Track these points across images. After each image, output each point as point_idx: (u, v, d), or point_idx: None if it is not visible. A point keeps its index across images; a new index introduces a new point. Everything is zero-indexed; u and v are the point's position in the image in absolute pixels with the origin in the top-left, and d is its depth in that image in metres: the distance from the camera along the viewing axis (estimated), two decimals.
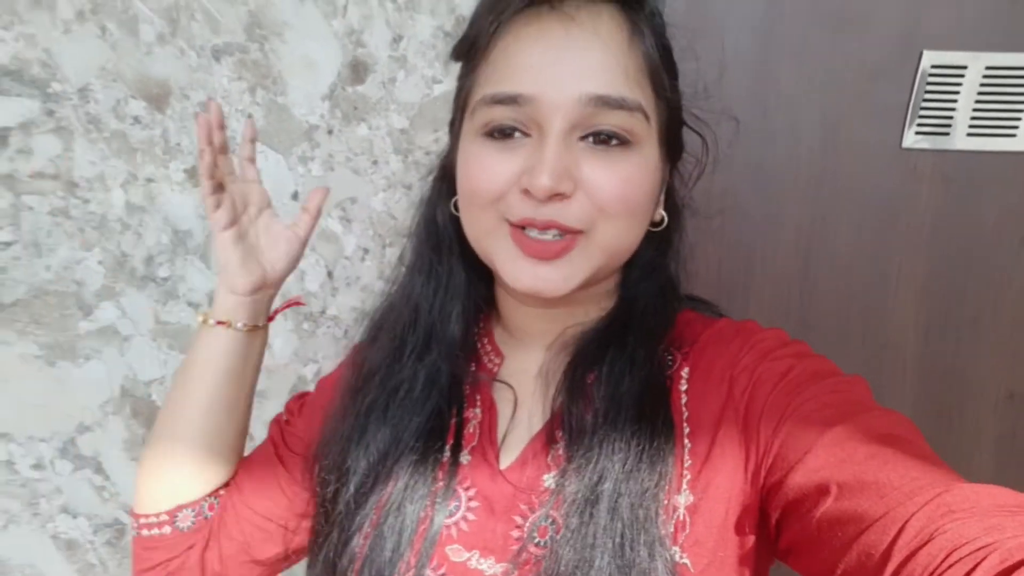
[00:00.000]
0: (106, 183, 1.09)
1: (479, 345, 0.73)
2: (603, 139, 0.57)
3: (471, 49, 0.62)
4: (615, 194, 0.57)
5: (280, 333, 1.13)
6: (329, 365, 1.14)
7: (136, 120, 1.07)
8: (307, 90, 1.05)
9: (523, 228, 0.58)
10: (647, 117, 0.58)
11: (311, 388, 1.10)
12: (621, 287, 0.69)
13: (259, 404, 1.14)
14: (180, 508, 0.72)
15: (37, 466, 1.18)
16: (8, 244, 1.10)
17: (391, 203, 1.09)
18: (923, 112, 1.02)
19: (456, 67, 0.66)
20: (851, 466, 0.47)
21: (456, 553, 0.60)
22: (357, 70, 1.05)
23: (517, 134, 0.57)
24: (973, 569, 0.37)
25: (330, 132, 1.07)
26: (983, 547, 0.38)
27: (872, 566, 0.43)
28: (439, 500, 0.62)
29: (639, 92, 0.57)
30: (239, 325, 0.72)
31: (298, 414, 0.79)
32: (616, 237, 0.60)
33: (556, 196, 0.56)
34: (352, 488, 0.65)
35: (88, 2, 1.02)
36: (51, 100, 1.05)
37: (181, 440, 0.72)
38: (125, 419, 1.17)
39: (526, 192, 0.56)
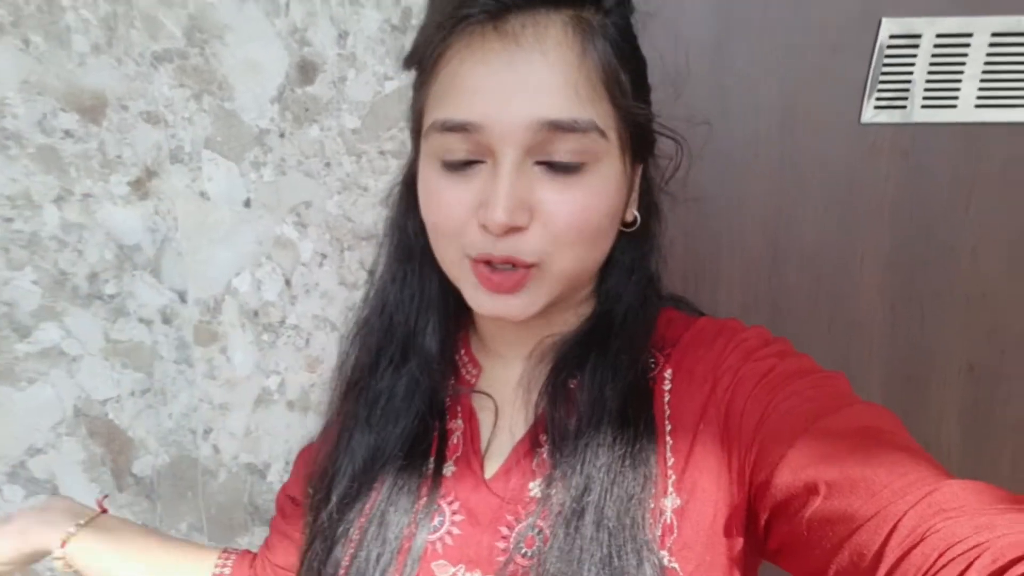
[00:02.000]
0: (32, 200, 1.03)
1: (456, 357, 0.72)
2: (559, 168, 0.55)
3: (419, 63, 0.60)
4: (571, 224, 0.56)
5: (240, 346, 1.09)
6: (292, 377, 1.11)
7: (67, 134, 1.01)
8: (255, 93, 1.01)
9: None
10: (603, 134, 0.56)
11: (275, 399, 1.08)
12: (599, 290, 0.68)
13: (222, 416, 1.13)
14: None
15: None
16: None
17: (347, 205, 1.06)
18: (881, 85, 1.01)
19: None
20: (837, 461, 0.47)
21: (442, 569, 0.59)
22: (305, 70, 1.01)
23: (474, 159, 0.56)
24: (966, 569, 0.37)
25: (282, 135, 1.03)
26: (975, 546, 0.38)
27: (865, 567, 0.43)
28: (422, 516, 0.61)
29: (591, 109, 0.55)
30: None
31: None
32: (573, 264, 0.59)
33: (512, 229, 0.55)
34: (335, 497, 0.64)
35: (8, 14, 0.96)
36: None
37: None
38: (81, 439, 1.12)
39: (483, 226, 0.55)
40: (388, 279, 0.71)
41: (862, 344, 1.11)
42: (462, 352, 0.72)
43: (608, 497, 0.55)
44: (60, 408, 1.10)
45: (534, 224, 0.55)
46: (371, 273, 0.74)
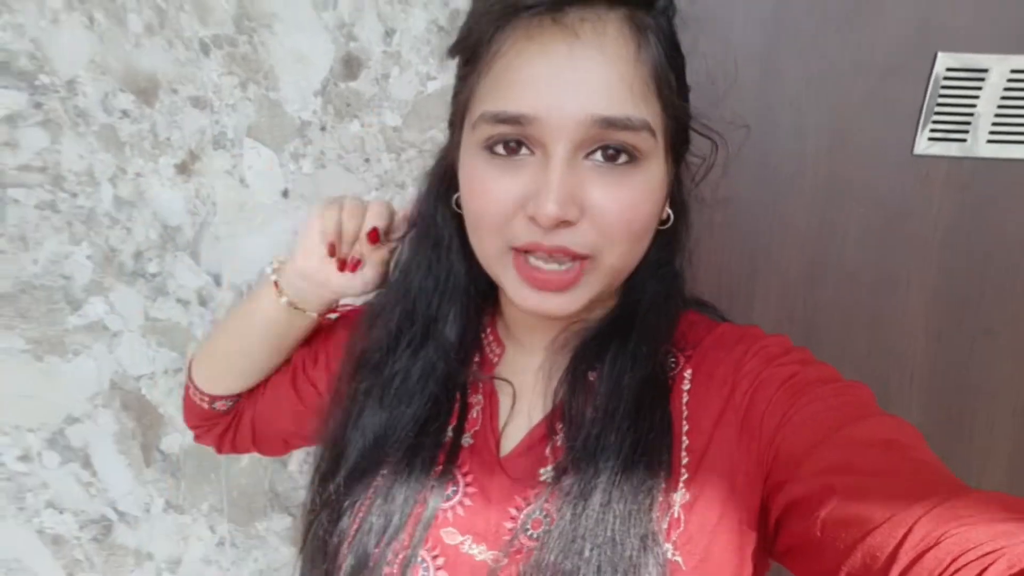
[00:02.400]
0: (94, 177, 1.07)
1: (482, 335, 0.73)
2: (610, 155, 0.55)
3: (469, 52, 0.60)
4: (620, 220, 0.56)
5: None
6: None
7: (125, 114, 1.04)
8: (299, 85, 1.03)
9: (527, 252, 0.57)
10: (652, 133, 0.56)
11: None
12: (625, 285, 0.67)
13: None
14: (217, 398, 0.82)
15: (24, 458, 1.17)
16: None
17: None
18: (937, 117, 0.97)
19: (452, 64, 0.64)
20: (855, 469, 0.47)
21: (450, 536, 0.60)
22: (350, 65, 1.02)
23: (522, 150, 0.56)
24: (980, 573, 0.37)
25: (323, 129, 1.04)
26: (990, 552, 0.38)
27: (877, 568, 0.42)
28: (436, 483, 0.62)
29: (644, 108, 0.55)
30: (283, 302, 0.75)
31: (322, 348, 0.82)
32: (620, 260, 0.59)
33: (561, 223, 0.54)
34: (344, 471, 0.65)
35: None
36: (38, 92, 1.03)
37: (219, 356, 0.81)
38: (115, 412, 1.16)
39: (532, 219, 0.55)
40: (414, 265, 0.71)
41: (902, 373, 1.06)
42: (488, 331, 0.73)
43: (617, 484, 0.55)
44: (98, 381, 1.14)
45: (583, 220, 0.55)
46: (396, 262, 0.75)
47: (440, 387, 0.68)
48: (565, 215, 0.53)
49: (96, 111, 1.05)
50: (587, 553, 0.53)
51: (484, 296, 0.72)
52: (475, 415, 0.67)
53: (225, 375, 0.81)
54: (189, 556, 1.20)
